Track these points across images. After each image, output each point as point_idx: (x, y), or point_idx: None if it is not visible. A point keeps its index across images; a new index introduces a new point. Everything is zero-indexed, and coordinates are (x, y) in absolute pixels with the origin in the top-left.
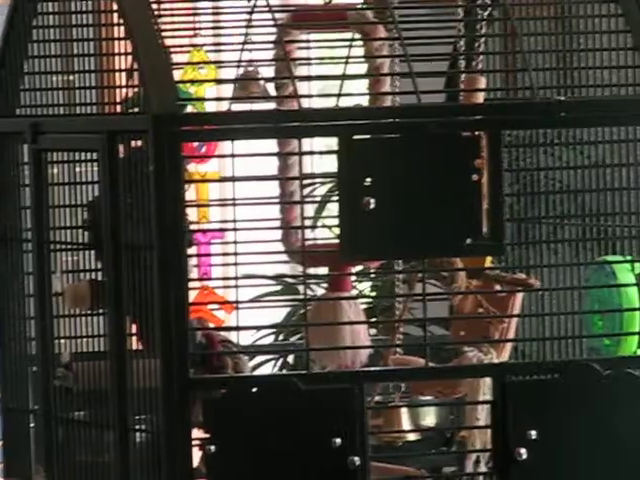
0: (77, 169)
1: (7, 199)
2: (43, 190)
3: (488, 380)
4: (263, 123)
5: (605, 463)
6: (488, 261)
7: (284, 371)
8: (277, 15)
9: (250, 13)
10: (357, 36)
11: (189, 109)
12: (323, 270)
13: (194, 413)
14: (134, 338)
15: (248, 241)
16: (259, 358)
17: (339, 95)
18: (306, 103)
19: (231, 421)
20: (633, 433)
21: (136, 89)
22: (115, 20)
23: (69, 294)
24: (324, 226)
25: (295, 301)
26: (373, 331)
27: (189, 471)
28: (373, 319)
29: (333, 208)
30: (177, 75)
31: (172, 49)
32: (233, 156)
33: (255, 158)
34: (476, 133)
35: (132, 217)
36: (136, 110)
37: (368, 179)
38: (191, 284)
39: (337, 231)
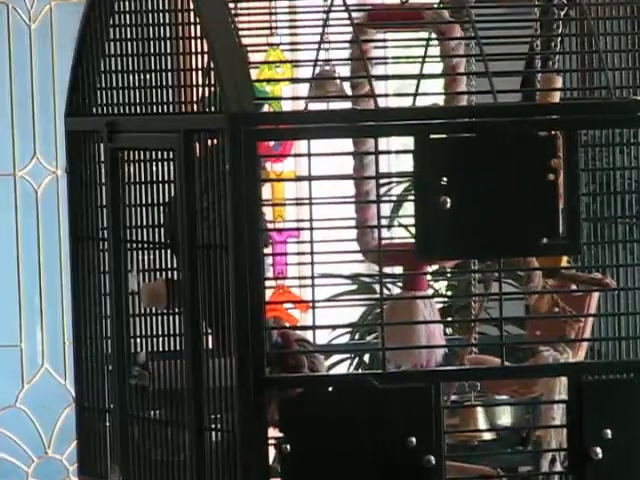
0: (153, 168)
1: (84, 198)
2: (119, 189)
3: (564, 379)
4: (339, 122)
5: None
6: (564, 261)
7: (360, 370)
8: (354, 14)
9: (327, 12)
10: (433, 35)
11: (265, 108)
12: (399, 269)
13: (270, 412)
14: (209, 337)
15: (324, 240)
16: (335, 357)
17: (415, 94)
18: (382, 102)
19: (307, 420)
20: None
21: (212, 88)
22: (192, 19)
23: (145, 293)
24: (400, 225)
25: (371, 300)
26: (449, 330)
27: (265, 470)
28: (449, 318)
29: (409, 207)
30: (254, 74)
31: (249, 48)
32: (309, 155)
33: (331, 157)
34: (552, 133)
35: (208, 217)
36: (212, 109)
37: (444, 178)
38: (267, 283)
39: (413, 230)
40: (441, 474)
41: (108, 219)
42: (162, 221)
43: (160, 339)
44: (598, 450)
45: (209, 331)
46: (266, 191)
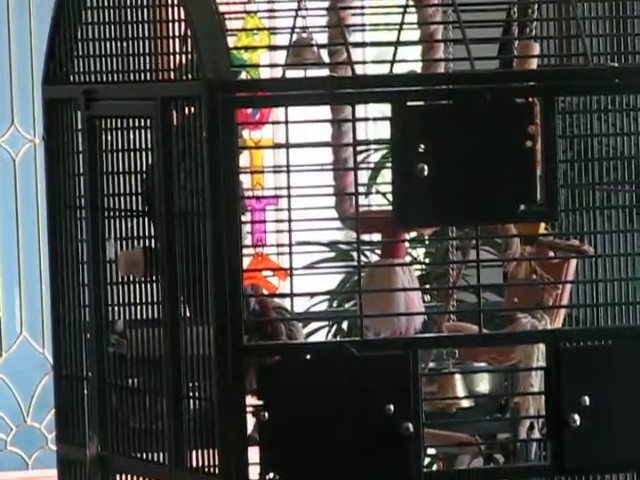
0: (131, 136)
1: (61, 166)
2: (97, 157)
3: (542, 347)
4: (317, 90)
5: None
6: (542, 227)
7: (338, 338)
8: None
9: None
10: (411, 2)
11: (243, 76)
12: (377, 237)
13: (248, 380)
14: (189, 306)
15: (302, 208)
16: (313, 325)
17: (393, 62)
18: (360, 70)
19: (285, 388)
20: None
21: (189, 56)
22: None
23: (123, 261)
24: (378, 193)
25: (349, 268)
26: (427, 298)
27: (243, 438)
28: (427, 286)
29: (387, 175)
30: (231, 41)
31: (226, 15)
32: (287, 123)
33: (309, 125)
34: (530, 100)
35: (186, 184)
36: (189, 77)
37: (422, 146)
38: (245, 251)
39: (391, 198)
40: (419, 441)
41: (85, 187)
42: (140, 189)
43: (138, 307)
44: (576, 417)
45: (186, 299)
46: (244, 159)
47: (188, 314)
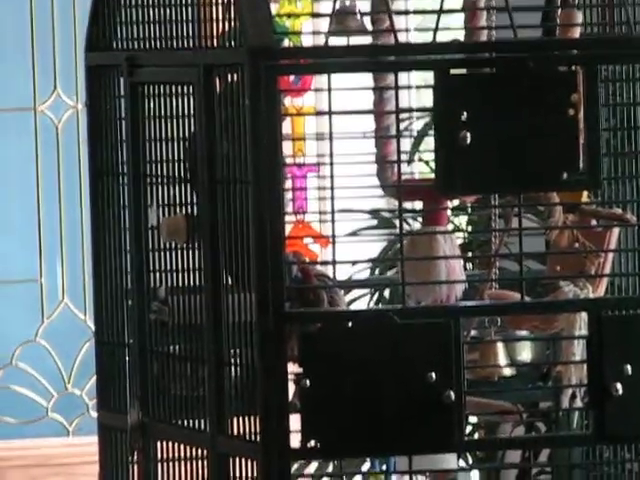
0: (173, 103)
1: (104, 133)
2: (139, 123)
3: (584, 315)
4: (359, 57)
5: None
6: (585, 196)
7: (380, 306)
8: None
9: None
10: None
11: (285, 43)
12: (419, 204)
13: (289, 347)
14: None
15: (344, 175)
16: (355, 292)
17: (436, 29)
18: (403, 37)
19: (326, 356)
20: None
21: (232, 23)
22: None
23: (165, 227)
24: (420, 160)
25: (391, 235)
26: (469, 266)
27: (284, 405)
28: (469, 254)
29: (429, 143)
30: (274, 9)
31: None
32: (329, 90)
33: (351, 92)
34: (573, 68)
35: (228, 152)
36: (232, 44)
37: (465, 114)
38: (287, 218)
39: (433, 166)
40: (461, 409)
41: (128, 154)
42: (182, 156)
43: (180, 274)
44: (619, 386)
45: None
46: (286, 126)
47: (230, 281)
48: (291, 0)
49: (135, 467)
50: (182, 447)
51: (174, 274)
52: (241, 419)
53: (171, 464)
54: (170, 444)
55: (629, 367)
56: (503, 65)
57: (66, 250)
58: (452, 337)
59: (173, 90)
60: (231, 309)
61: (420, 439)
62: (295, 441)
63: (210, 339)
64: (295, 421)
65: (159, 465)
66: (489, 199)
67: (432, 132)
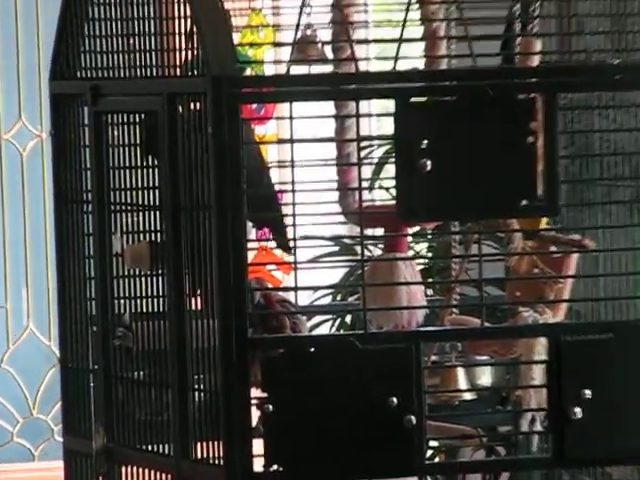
0: (137, 131)
1: (68, 161)
2: (103, 152)
3: (543, 340)
4: (321, 86)
5: None
6: (543, 222)
7: (341, 331)
8: None
9: None
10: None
11: (248, 72)
12: (380, 231)
13: (252, 372)
14: (193, 298)
15: (306, 202)
16: (317, 318)
17: (396, 58)
18: (363, 66)
19: (289, 381)
20: None
21: (195, 52)
22: None
23: (129, 254)
24: (381, 187)
25: (352, 262)
26: (430, 291)
27: (248, 430)
28: (429, 280)
29: (390, 170)
30: (236, 38)
31: (231, 12)
32: (291, 118)
33: (313, 120)
34: (531, 96)
35: (191, 179)
36: (195, 73)
37: (424, 141)
38: (249, 245)
39: (394, 192)
40: (422, 433)
41: (92, 182)
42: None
43: (144, 300)
44: (577, 410)
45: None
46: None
47: (193, 307)
48: (253, 29)
49: None
50: (147, 472)
51: (138, 300)
52: (205, 443)
53: None
54: (135, 469)
55: (588, 391)
56: (463, 93)
57: (31, 276)
58: (413, 362)
59: (137, 119)
60: (195, 335)
61: (381, 463)
62: (258, 465)
63: (174, 365)
64: (258, 446)
65: None
66: (449, 226)
67: (393, 159)
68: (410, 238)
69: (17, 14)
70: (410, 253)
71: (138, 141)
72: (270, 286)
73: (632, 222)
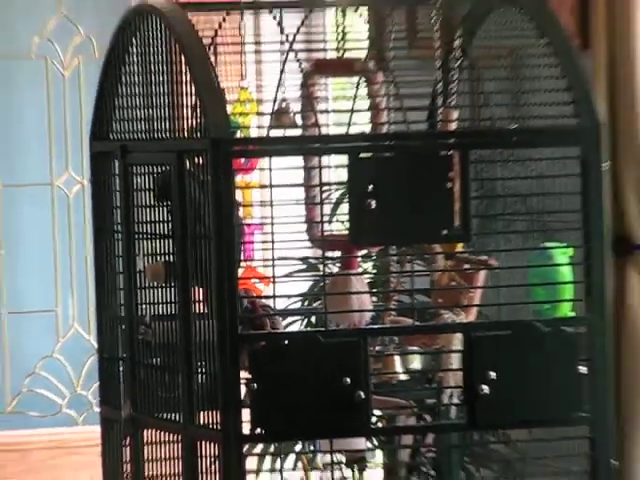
0: (155, 179)
1: (103, 201)
2: (130, 194)
3: (459, 335)
4: (292, 145)
5: (543, 395)
6: (459, 247)
7: (308, 329)
8: (303, 64)
9: (283, 63)
10: (362, 80)
11: (238, 134)
12: (337, 253)
13: (241, 360)
14: (197, 304)
15: (281, 232)
16: (290, 319)
17: (349, 124)
18: (325, 130)
19: (269, 366)
20: (564, 372)
21: (199, 120)
22: (184, 69)
23: (149, 272)
24: (338, 221)
25: (316, 276)
26: (374, 299)
27: (238, 403)
28: (374, 290)
29: (344, 208)
30: (229, 109)
31: (225, 90)
32: (270, 169)
33: (287, 171)
34: (450, 152)
35: (196, 215)
36: (199, 135)
37: (370, 186)
38: (240, 263)
39: (347, 225)
40: (368, 405)
41: (121, 217)
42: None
43: (160, 306)
44: (484, 387)
45: (196, 299)
46: (238, 195)
47: (197, 311)
48: (241, 103)
49: (127, 449)
50: (162, 434)
51: (156, 306)
52: (206, 413)
53: (154, 447)
54: (153, 432)
55: (492, 373)
56: (398, 150)
57: (76, 288)
58: (362, 351)
59: (154, 169)
60: (198, 331)
61: (338, 427)
62: (246, 429)
63: (183, 354)
64: (246, 414)
65: (145, 448)
66: (388, 249)
67: (346, 200)
68: (360, 259)
69: (65, 90)
70: (360, 270)
71: (155, 188)
72: (255, 295)
73: (526, 247)
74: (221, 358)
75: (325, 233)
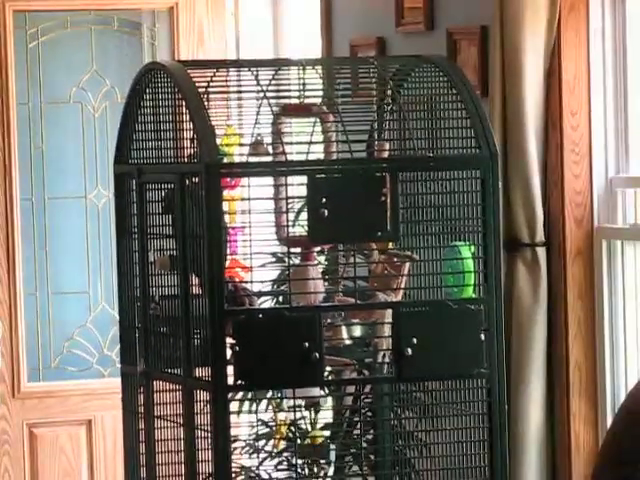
0: (162, 193)
1: (124, 210)
2: (144, 205)
3: (390, 311)
4: (266, 168)
5: (453, 356)
6: (390, 244)
7: (277, 305)
8: (274, 108)
9: (259, 107)
10: (318, 120)
11: (225, 160)
12: (298, 249)
13: (227, 329)
14: (195, 287)
15: (257, 233)
16: (263, 298)
17: (308, 152)
18: (290, 156)
19: (248, 333)
20: (468, 339)
21: (195, 149)
22: (184, 110)
23: (158, 263)
24: (299, 225)
25: (283, 267)
26: (326, 284)
27: (225, 360)
28: (326, 277)
29: (304, 215)
30: (218, 141)
31: (215, 126)
32: (249, 186)
33: (262, 187)
34: (383, 174)
35: (193, 220)
36: (196, 161)
37: (323, 199)
38: (226, 256)
39: (306, 228)
40: (322, 363)
41: (137, 222)
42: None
43: (166, 288)
44: (409, 350)
45: (195, 283)
46: (225, 206)
47: (194, 292)
48: (228, 136)
49: (141, 396)
50: (167, 385)
51: (163, 288)
52: (200, 368)
53: (162, 394)
54: (161, 383)
55: (415, 339)
56: (345, 172)
57: (103, 275)
58: (317, 322)
59: (162, 186)
60: (195, 307)
61: (299, 379)
62: (230, 381)
63: (183, 324)
64: (230, 370)
65: (154, 394)
66: (337, 246)
67: (305, 210)
68: (315, 253)
69: (95, 127)
70: (315, 262)
71: (162, 203)
72: (237, 280)
73: (440, 245)
74: (211, 327)
75: (289, 234)
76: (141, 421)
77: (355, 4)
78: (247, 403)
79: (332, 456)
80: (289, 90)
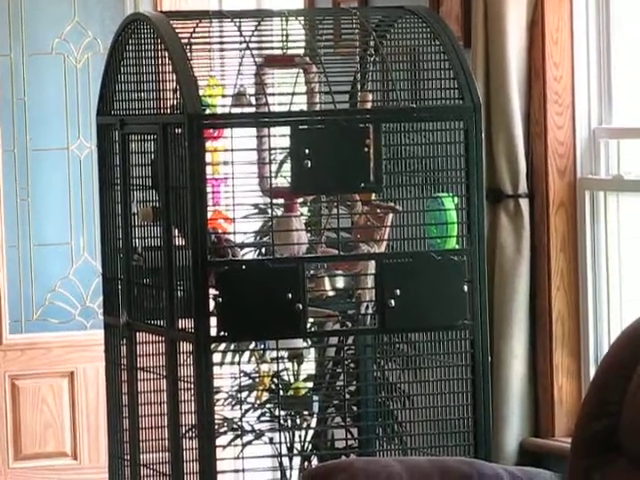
0: (145, 144)
1: (107, 161)
2: (127, 156)
3: (373, 262)
4: (248, 119)
5: (436, 307)
6: (373, 196)
7: (260, 257)
8: (257, 59)
9: (241, 58)
10: (300, 71)
11: (208, 111)
12: (281, 200)
13: (210, 280)
14: (178, 239)
15: (241, 185)
16: (246, 249)
17: (291, 103)
18: (273, 107)
19: (231, 285)
20: (451, 290)
21: (178, 100)
22: (167, 62)
23: (140, 214)
24: (282, 176)
25: (266, 218)
26: (309, 235)
27: (207, 311)
28: (309, 228)
29: (287, 166)
30: (201, 92)
31: (198, 77)
32: (232, 137)
33: (244, 139)
34: (367, 125)
35: (176, 171)
36: (178, 112)
37: (307, 150)
38: (209, 208)
39: (289, 179)
40: (305, 314)
41: (120, 173)
42: (150, 171)
43: (149, 239)
44: (392, 301)
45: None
46: (208, 157)
47: (177, 244)
48: (210, 87)
49: (124, 347)
50: (150, 336)
51: (146, 240)
52: (183, 320)
53: (144, 345)
54: (144, 334)
55: (398, 291)
56: (329, 123)
57: (86, 226)
58: (300, 274)
59: (145, 137)
60: (178, 258)
61: (282, 330)
62: (213, 332)
63: (166, 276)
64: (213, 321)
65: (137, 346)
66: (320, 197)
67: (288, 160)
68: (298, 205)
69: (77, 78)
70: (298, 213)
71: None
72: (220, 231)
73: (422, 196)
74: (194, 279)
75: (272, 185)
76: (124, 373)
77: None
78: (230, 354)
79: (315, 407)
80: (272, 41)
